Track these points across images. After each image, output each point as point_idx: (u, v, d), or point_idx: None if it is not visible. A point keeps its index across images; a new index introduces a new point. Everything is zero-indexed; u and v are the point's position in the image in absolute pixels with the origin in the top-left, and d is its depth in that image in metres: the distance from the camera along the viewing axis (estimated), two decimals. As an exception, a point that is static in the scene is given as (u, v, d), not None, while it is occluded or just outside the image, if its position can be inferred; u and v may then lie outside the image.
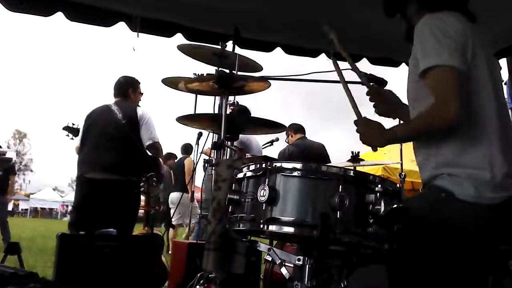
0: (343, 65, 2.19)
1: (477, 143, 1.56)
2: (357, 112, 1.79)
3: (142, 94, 4.05)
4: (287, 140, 5.07)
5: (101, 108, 3.82)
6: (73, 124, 4.27)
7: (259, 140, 4.76)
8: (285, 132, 5.02)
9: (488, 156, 1.54)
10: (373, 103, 2.05)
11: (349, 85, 2.13)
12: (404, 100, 1.86)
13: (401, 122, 2.00)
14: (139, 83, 4.06)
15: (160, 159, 3.90)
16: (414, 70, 1.65)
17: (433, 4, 1.71)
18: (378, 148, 1.70)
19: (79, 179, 3.68)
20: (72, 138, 4.24)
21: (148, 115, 3.77)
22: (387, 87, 2.20)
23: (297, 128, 5.08)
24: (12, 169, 8.06)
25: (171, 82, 2.88)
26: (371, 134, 1.70)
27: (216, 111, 2.95)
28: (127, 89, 3.92)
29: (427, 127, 1.59)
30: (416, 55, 1.62)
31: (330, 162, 4.80)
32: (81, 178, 3.64)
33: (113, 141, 3.61)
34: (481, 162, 1.54)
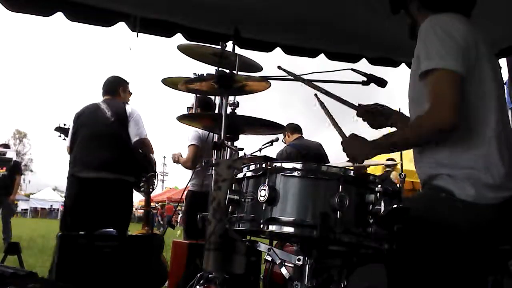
0: (342, 65, 2.19)
1: (476, 143, 1.56)
2: (341, 133, 1.81)
3: (131, 94, 4.02)
4: (284, 140, 5.05)
5: (90, 107, 3.78)
6: (65, 125, 4.25)
7: (258, 140, 4.75)
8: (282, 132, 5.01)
9: (486, 157, 1.55)
10: (366, 121, 2.09)
11: (349, 84, 2.14)
12: (401, 100, 1.87)
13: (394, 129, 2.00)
14: (128, 83, 4.03)
15: (152, 156, 3.85)
16: (415, 71, 1.66)
17: (432, 4, 1.72)
18: (363, 159, 1.71)
19: (71, 179, 3.64)
20: (64, 139, 4.23)
21: (136, 112, 3.73)
22: (387, 87, 2.20)
23: (294, 128, 5.05)
24: (18, 169, 8.03)
25: (171, 82, 2.88)
26: (354, 146, 1.72)
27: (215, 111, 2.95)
28: (118, 87, 3.89)
29: (424, 133, 1.59)
30: (419, 56, 1.62)
31: (328, 162, 4.78)
32: (73, 177, 3.61)
33: (103, 140, 3.59)
34: (479, 162, 1.54)
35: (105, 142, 3.59)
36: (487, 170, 1.53)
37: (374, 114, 2.08)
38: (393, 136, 1.74)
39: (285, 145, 4.95)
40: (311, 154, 4.71)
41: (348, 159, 1.76)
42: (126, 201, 3.70)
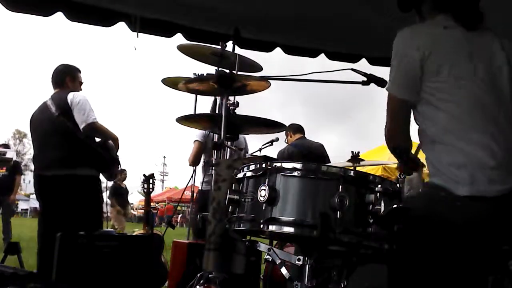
0: (342, 65, 2.18)
1: (471, 141, 1.57)
2: None
3: (82, 83, 3.77)
4: (286, 140, 5.07)
5: (39, 106, 3.65)
6: None
7: (259, 140, 4.76)
8: (284, 132, 5.02)
9: (482, 152, 1.55)
10: None
11: (349, 84, 2.13)
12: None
13: None
14: (79, 71, 3.77)
15: (110, 141, 3.64)
16: None
17: (444, 5, 1.73)
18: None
19: (34, 179, 3.59)
20: None
21: (80, 97, 3.48)
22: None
23: (297, 128, 5.06)
24: (18, 169, 8.04)
25: (171, 82, 2.88)
26: None
27: (215, 111, 2.95)
28: (65, 77, 3.65)
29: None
30: None
31: (329, 163, 4.79)
32: (35, 177, 3.57)
33: (51, 137, 3.46)
34: (475, 158, 1.54)
35: (54, 139, 3.46)
36: (484, 166, 1.53)
37: None
38: None
39: (287, 144, 4.96)
40: (312, 154, 4.72)
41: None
42: (89, 195, 3.51)
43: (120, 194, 9.35)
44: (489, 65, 1.67)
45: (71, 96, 3.49)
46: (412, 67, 1.63)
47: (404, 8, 1.87)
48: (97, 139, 3.60)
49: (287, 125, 4.64)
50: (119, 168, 3.72)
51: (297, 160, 4.21)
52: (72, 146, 3.45)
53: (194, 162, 4.18)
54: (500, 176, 1.54)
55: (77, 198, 3.41)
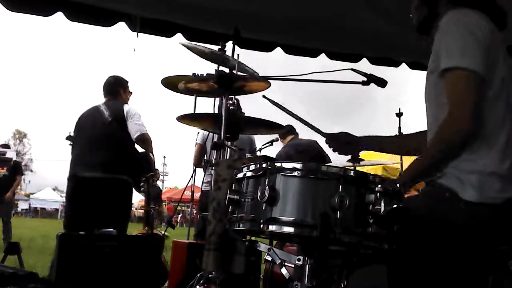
0: (343, 65, 2.18)
1: (486, 145, 1.54)
2: (318, 131, 1.84)
3: (131, 93, 4.10)
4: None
5: (90, 109, 3.88)
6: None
7: (258, 140, 4.79)
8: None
9: (494, 158, 1.53)
10: (332, 148, 2.10)
11: (349, 84, 2.14)
12: (401, 100, 1.86)
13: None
14: (128, 82, 4.11)
15: (151, 154, 3.91)
16: (432, 67, 1.63)
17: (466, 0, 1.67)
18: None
19: (70, 179, 3.73)
20: None
21: (135, 110, 3.82)
22: (387, 87, 2.20)
23: (286, 132, 5.08)
24: (18, 169, 8.06)
25: (171, 83, 2.87)
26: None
27: (216, 111, 2.94)
28: (118, 88, 3.97)
29: (445, 146, 1.53)
30: (438, 52, 1.58)
31: (325, 156, 4.78)
32: (72, 177, 3.70)
33: (101, 141, 3.67)
34: (487, 164, 1.53)
35: (103, 143, 3.66)
36: (493, 173, 1.52)
37: (340, 142, 2.09)
38: (419, 161, 1.64)
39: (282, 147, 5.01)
40: (308, 150, 4.75)
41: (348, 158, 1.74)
42: (123, 200, 3.74)
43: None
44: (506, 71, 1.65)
45: (127, 108, 3.82)
46: (482, 46, 1.51)
47: None
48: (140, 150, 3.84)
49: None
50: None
51: (295, 158, 4.22)
52: (118, 152, 3.67)
53: (197, 164, 4.31)
54: (510, 184, 1.53)
55: (111, 200, 3.58)
